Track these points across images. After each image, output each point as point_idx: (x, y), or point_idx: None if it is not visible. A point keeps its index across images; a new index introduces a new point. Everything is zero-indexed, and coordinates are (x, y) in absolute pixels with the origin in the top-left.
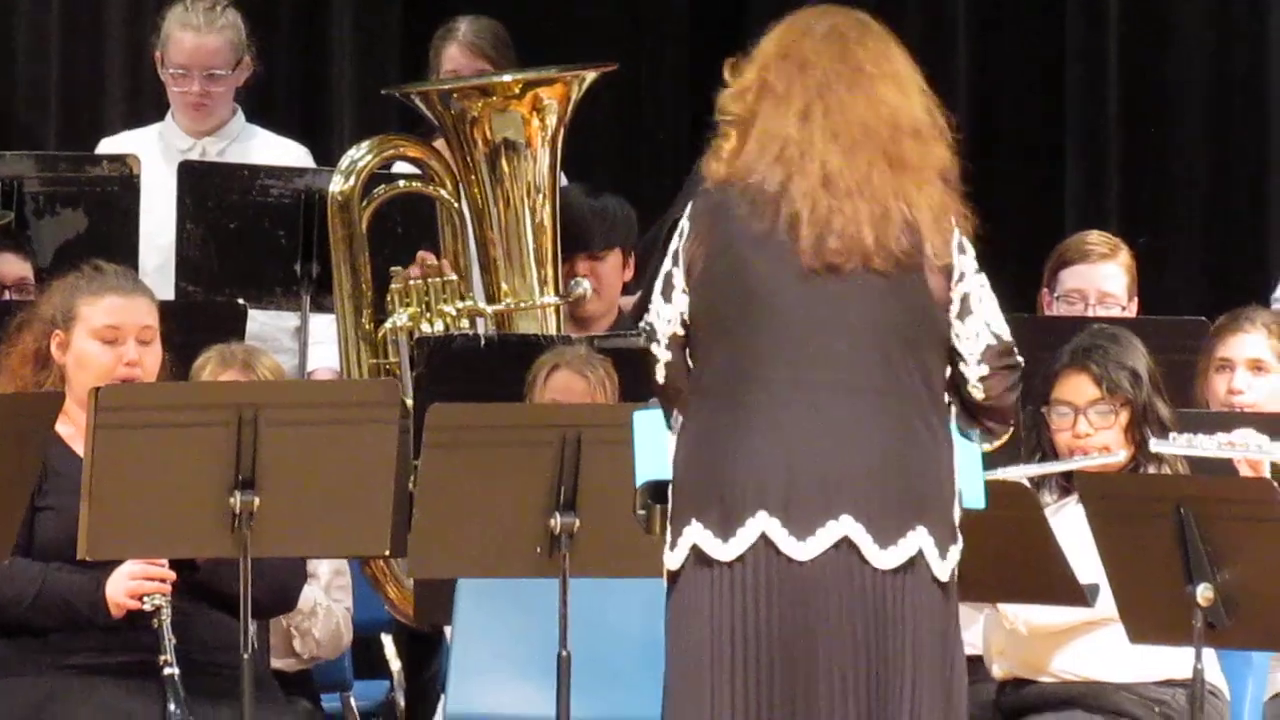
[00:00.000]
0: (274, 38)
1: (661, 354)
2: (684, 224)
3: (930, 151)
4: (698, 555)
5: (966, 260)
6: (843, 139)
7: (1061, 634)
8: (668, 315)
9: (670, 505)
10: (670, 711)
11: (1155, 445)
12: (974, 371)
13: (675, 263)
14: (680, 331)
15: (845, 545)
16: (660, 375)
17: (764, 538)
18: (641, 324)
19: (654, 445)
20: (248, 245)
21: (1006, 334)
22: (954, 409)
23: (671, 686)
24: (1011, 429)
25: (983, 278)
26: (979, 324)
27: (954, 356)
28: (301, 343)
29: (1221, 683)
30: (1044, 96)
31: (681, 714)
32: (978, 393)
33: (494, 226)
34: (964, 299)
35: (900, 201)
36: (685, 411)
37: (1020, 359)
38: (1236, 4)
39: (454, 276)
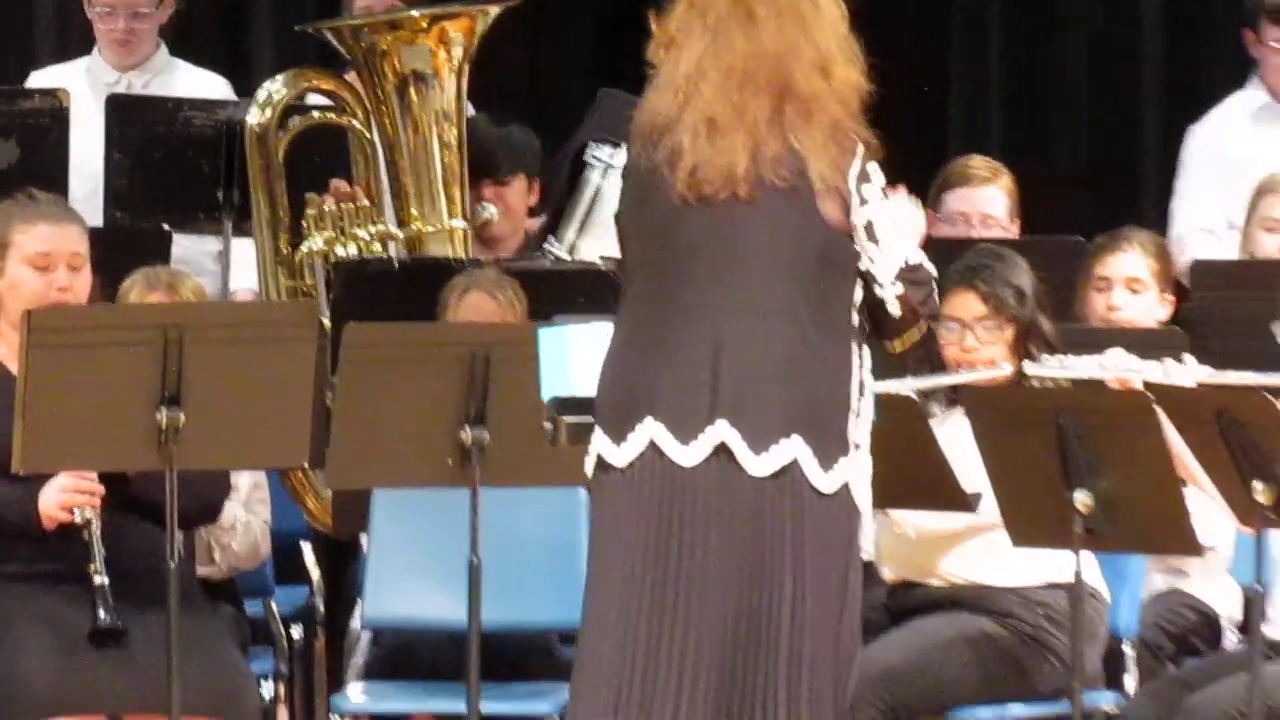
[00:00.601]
0: None
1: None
2: (623, 168)
3: (829, 86)
4: (599, 462)
5: (870, 188)
6: (732, 77)
7: (948, 539)
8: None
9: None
10: (585, 609)
11: (1030, 368)
12: (889, 292)
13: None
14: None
15: (723, 452)
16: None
17: (652, 444)
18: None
19: (559, 362)
20: (172, 174)
21: (916, 254)
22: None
23: (587, 583)
24: (922, 329)
25: (890, 202)
26: (886, 249)
27: (868, 279)
28: (223, 266)
29: (1101, 585)
30: (930, 26)
31: (585, 610)
32: (893, 309)
33: (404, 155)
34: (869, 225)
35: (784, 132)
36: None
37: (933, 271)
38: None
39: (366, 203)
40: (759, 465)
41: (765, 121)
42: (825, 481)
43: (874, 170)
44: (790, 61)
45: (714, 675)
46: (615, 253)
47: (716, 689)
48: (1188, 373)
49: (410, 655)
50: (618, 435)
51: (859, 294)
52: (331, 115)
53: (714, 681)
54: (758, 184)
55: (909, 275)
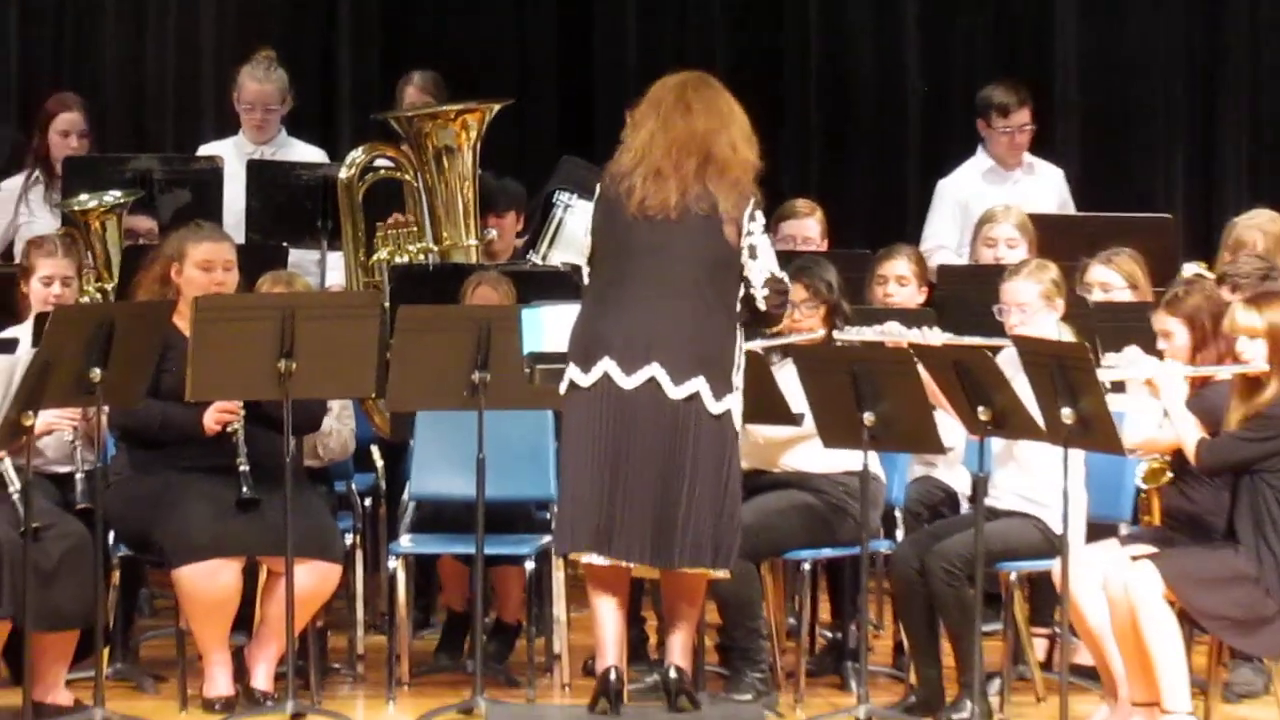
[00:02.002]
0: (301, 81)
1: (587, 271)
2: (595, 199)
3: (732, 159)
4: (571, 385)
5: (755, 224)
6: (672, 145)
7: (783, 443)
8: (587, 249)
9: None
10: (561, 477)
11: (836, 334)
12: (759, 292)
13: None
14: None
15: (653, 382)
16: (585, 284)
17: (606, 375)
18: (575, 258)
19: (535, 331)
20: (288, 210)
21: (779, 271)
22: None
23: (561, 461)
24: (782, 320)
25: (767, 236)
26: (762, 265)
27: (747, 282)
28: (321, 270)
29: (880, 471)
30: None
31: (565, 479)
32: (761, 304)
33: (438, 198)
34: (751, 247)
35: (704, 182)
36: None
37: (788, 284)
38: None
39: (414, 228)
40: (676, 392)
41: (692, 174)
42: (716, 407)
43: (759, 213)
44: (711, 139)
45: (648, 513)
46: (573, 261)
47: (652, 521)
48: (935, 337)
49: (440, 517)
50: (584, 367)
51: (742, 291)
52: (392, 172)
53: (648, 517)
54: (684, 212)
55: (773, 284)
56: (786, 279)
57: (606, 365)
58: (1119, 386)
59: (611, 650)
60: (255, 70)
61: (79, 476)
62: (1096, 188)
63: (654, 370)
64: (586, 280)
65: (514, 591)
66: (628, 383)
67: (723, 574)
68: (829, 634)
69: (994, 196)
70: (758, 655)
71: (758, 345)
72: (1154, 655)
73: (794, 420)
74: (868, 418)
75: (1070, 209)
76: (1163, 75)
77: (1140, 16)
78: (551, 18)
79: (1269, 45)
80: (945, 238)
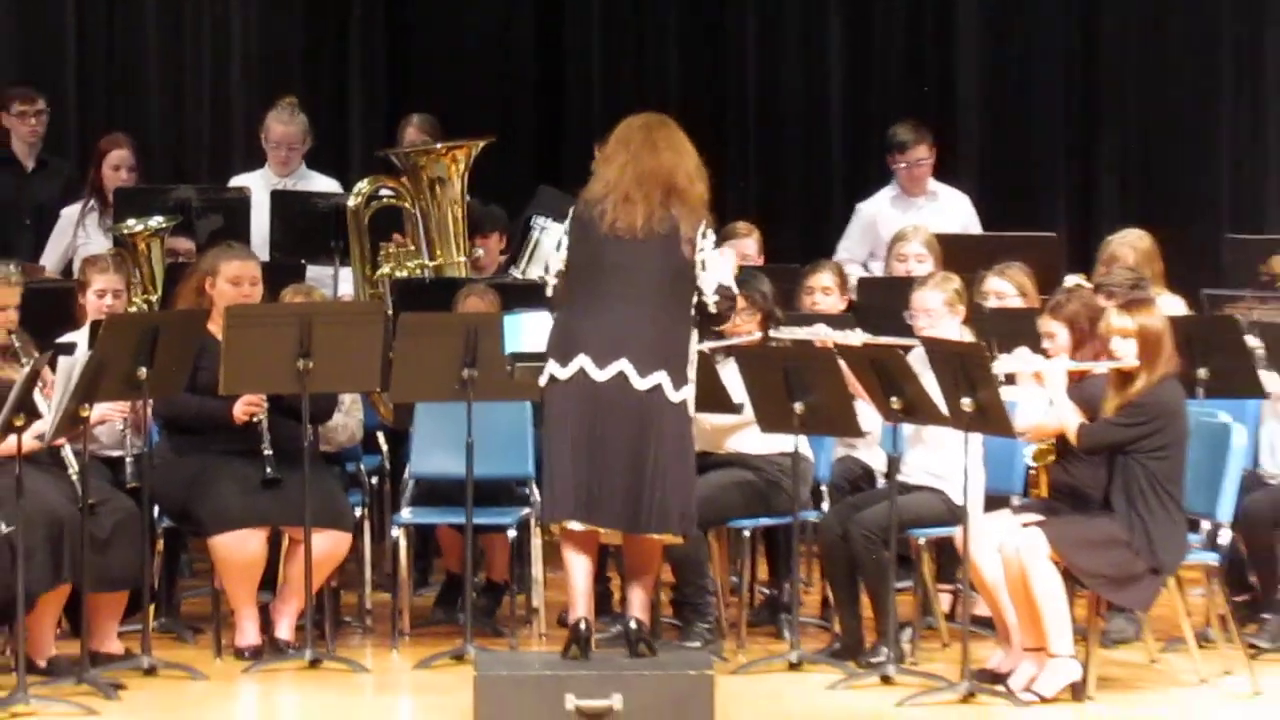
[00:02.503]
0: (318, 123)
1: (553, 281)
2: (569, 220)
3: (690, 189)
4: (551, 378)
5: (707, 242)
6: (641, 177)
7: (727, 429)
8: (558, 264)
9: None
10: (544, 460)
11: (773, 335)
12: (709, 299)
13: (565, 237)
14: (563, 269)
15: (622, 375)
16: (550, 292)
17: (582, 369)
18: (545, 271)
19: (514, 333)
20: (306, 233)
21: (728, 281)
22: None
23: (543, 444)
24: (729, 322)
25: (715, 251)
26: (711, 276)
27: (699, 290)
28: (334, 283)
29: (809, 452)
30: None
31: (548, 459)
32: (712, 309)
33: (433, 222)
34: (703, 261)
35: (667, 206)
36: (559, 308)
37: (736, 293)
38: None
39: (412, 248)
40: (641, 384)
41: (657, 201)
42: (675, 396)
43: (710, 232)
44: (673, 172)
45: (620, 486)
46: (547, 276)
47: (623, 493)
48: (855, 338)
49: (436, 492)
50: (563, 362)
51: (695, 299)
52: (393, 200)
53: (620, 489)
54: (649, 233)
55: (722, 292)
56: (735, 288)
57: (582, 361)
58: (1011, 380)
59: (582, 604)
60: (280, 114)
61: (128, 460)
62: (995, 209)
63: (623, 365)
64: (551, 290)
65: (499, 555)
66: (600, 375)
67: (680, 539)
68: (766, 591)
69: (900, 220)
70: (705, 609)
71: (705, 346)
72: (1041, 607)
73: (735, 409)
74: (798, 407)
75: (976, 228)
76: (1048, 114)
77: (1028, 63)
78: (530, 69)
79: (1135, 92)
80: (855, 254)
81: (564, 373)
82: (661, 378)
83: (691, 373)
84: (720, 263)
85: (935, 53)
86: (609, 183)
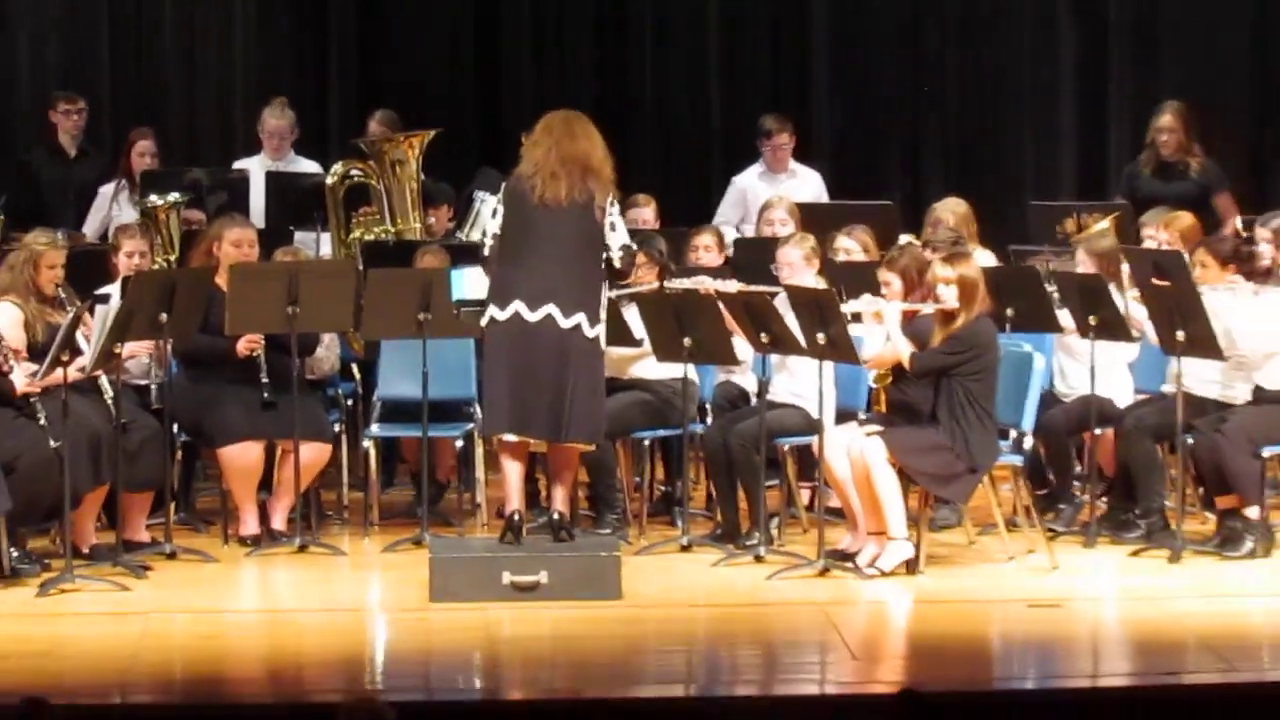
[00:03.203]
0: (303, 116)
1: (489, 244)
2: (502, 192)
3: (601, 168)
4: (491, 320)
5: (614, 210)
6: (564, 159)
7: (630, 358)
8: (494, 228)
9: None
10: (484, 384)
11: (668, 283)
12: (615, 255)
13: (500, 206)
14: (498, 233)
15: (550, 317)
16: (486, 251)
17: (517, 312)
18: (483, 234)
19: (459, 284)
20: (294, 206)
21: (628, 240)
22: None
23: (484, 372)
24: (631, 275)
25: (620, 218)
26: (616, 237)
27: (608, 248)
28: (316, 246)
29: (695, 377)
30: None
31: (488, 384)
32: (617, 264)
33: (395, 195)
34: (611, 224)
35: (584, 182)
36: (493, 267)
37: (635, 249)
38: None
39: (378, 217)
40: (565, 323)
41: (577, 178)
42: (590, 333)
43: (616, 204)
44: (588, 155)
45: (545, 404)
46: (485, 239)
47: (547, 410)
48: (732, 286)
49: (398, 410)
50: (501, 306)
51: (605, 256)
52: (363, 179)
53: (545, 406)
54: (570, 203)
55: (626, 250)
56: (635, 246)
57: (517, 305)
58: (857, 318)
59: (515, 499)
60: (274, 110)
61: (152, 387)
62: (845, 182)
63: (551, 309)
64: (487, 250)
65: (448, 460)
66: (532, 317)
67: (593, 447)
68: (662, 488)
69: (767, 191)
70: (614, 503)
71: (613, 294)
72: (881, 500)
73: (637, 344)
74: (686, 341)
75: (825, 198)
76: (883, 104)
77: (868, 64)
78: (472, 74)
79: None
80: (730, 219)
81: (502, 315)
82: (580, 319)
83: (603, 314)
84: (622, 227)
85: (792, 55)
86: (537, 163)
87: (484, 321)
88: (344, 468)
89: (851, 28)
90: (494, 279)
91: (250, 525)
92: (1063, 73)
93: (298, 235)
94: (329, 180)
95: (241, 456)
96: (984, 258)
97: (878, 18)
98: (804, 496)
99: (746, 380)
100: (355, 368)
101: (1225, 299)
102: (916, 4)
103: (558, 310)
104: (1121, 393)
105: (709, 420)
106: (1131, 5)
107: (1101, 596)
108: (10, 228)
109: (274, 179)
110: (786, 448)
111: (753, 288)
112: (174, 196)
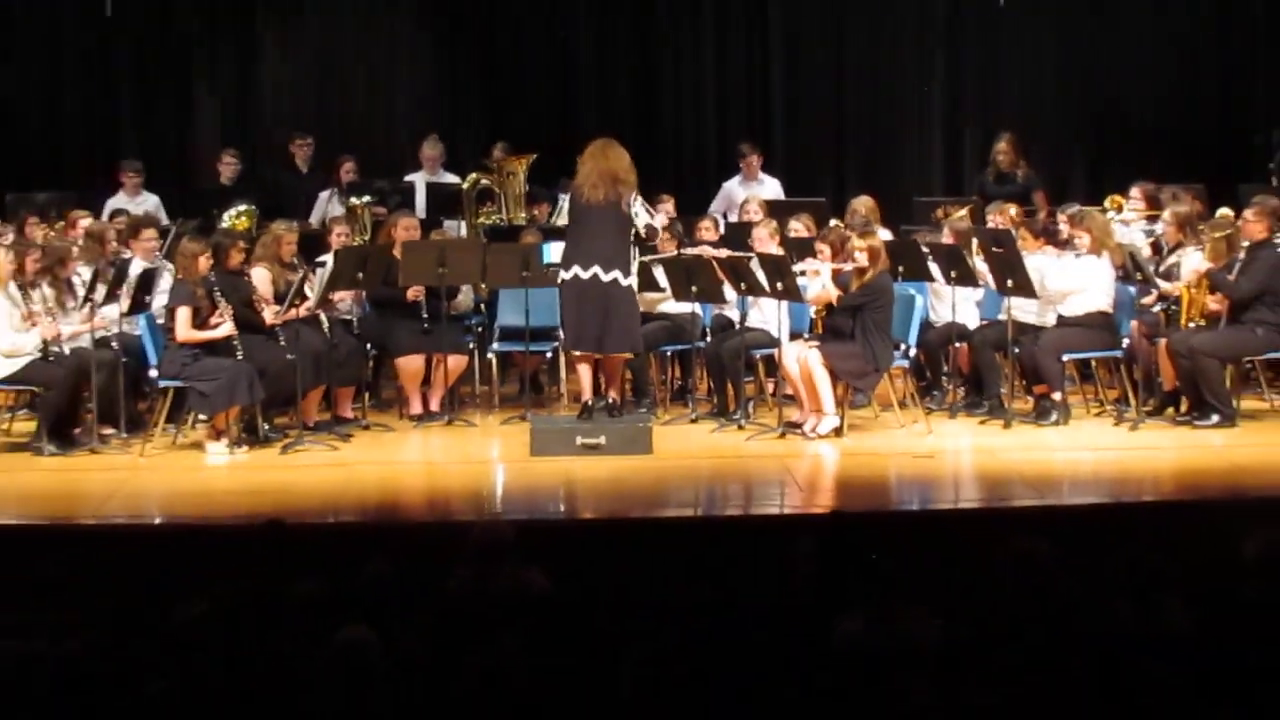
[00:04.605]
0: (451, 145)
1: (564, 225)
2: (569, 195)
3: (626, 178)
4: (561, 278)
5: (637, 205)
6: (600, 174)
7: (657, 299)
8: (564, 219)
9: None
10: (562, 318)
11: (682, 251)
12: (641, 230)
13: (566, 204)
14: (567, 221)
15: (596, 275)
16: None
17: (576, 273)
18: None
19: (548, 254)
20: (443, 204)
21: (650, 220)
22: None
23: (561, 310)
24: (655, 243)
25: (642, 208)
26: (640, 219)
27: (635, 229)
28: (457, 230)
29: (700, 312)
30: (644, 136)
31: (563, 319)
32: (643, 235)
33: (507, 196)
34: (635, 214)
35: (614, 188)
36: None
37: (657, 229)
38: None
39: (497, 210)
40: (605, 278)
41: (610, 186)
42: (625, 283)
43: (637, 200)
44: (616, 170)
45: (596, 332)
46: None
47: (597, 333)
48: (723, 253)
49: (511, 334)
50: (566, 269)
51: (632, 233)
52: (488, 185)
53: (596, 332)
54: (606, 203)
55: (647, 228)
56: (655, 225)
57: (576, 269)
58: (803, 274)
59: (586, 391)
60: (430, 143)
61: (354, 319)
62: (794, 187)
63: (596, 269)
64: (568, 231)
65: (541, 365)
66: (585, 275)
67: (632, 356)
68: (679, 382)
69: (744, 193)
70: (647, 393)
71: (645, 259)
72: (819, 389)
73: (661, 290)
74: (693, 288)
75: (783, 197)
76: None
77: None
78: (556, 116)
79: (870, 111)
80: (719, 210)
81: (567, 274)
82: (617, 274)
83: (633, 269)
84: (645, 214)
85: (761, 101)
86: (585, 175)
87: (559, 279)
88: (476, 370)
89: (799, 82)
90: (564, 251)
91: (415, 407)
92: (933, 107)
93: (447, 223)
94: (464, 186)
95: (410, 363)
96: (884, 234)
97: (816, 77)
98: (769, 387)
99: (732, 313)
100: (483, 306)
101: (1039, 260)
102: (841, 64)
103: (600, 269)
104: (972, 319)
105: (708, 339)
106: (977, 60)
107: (960, 450)
108: (262, 220)
109: (430, 187)
110: (758, 356)
111: (736, 254)
112: (367, 198)
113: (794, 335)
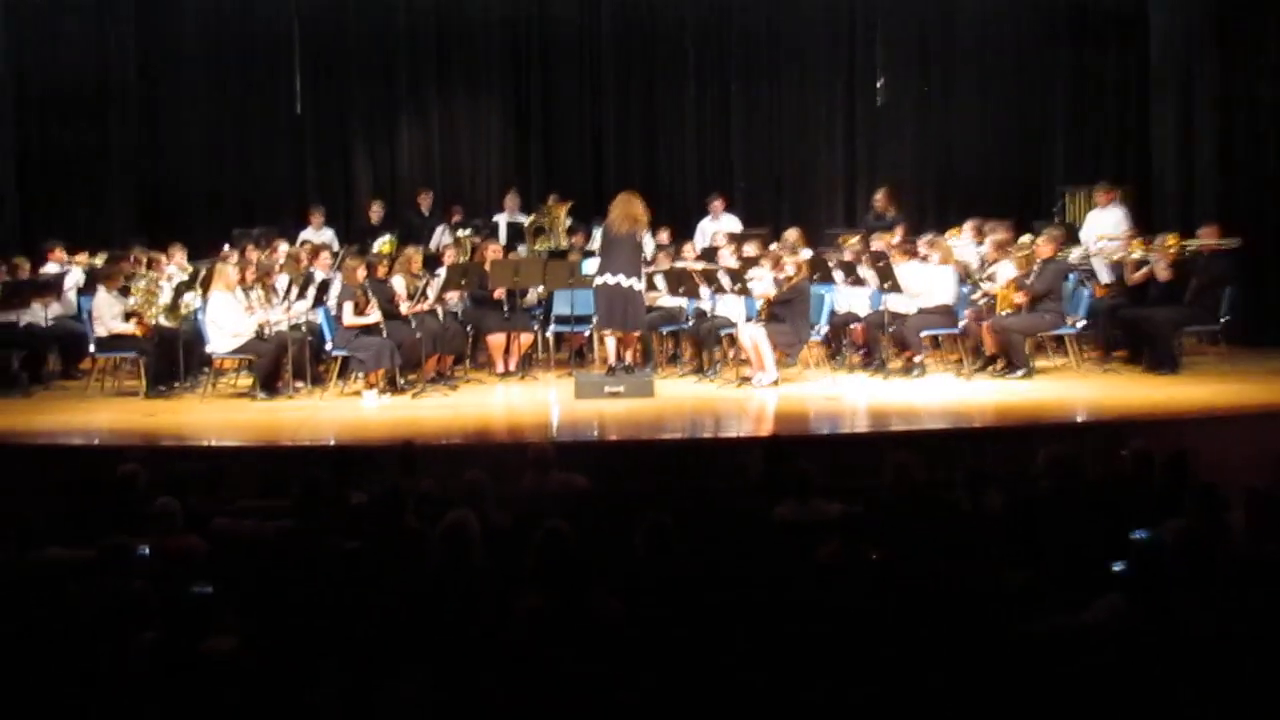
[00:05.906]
0: (523, 194)
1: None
2: (601, 229)
3: (640, 218)
4: (595, 283)
5: (644, 236)
6: (622, 216)
7: (658, 296)
8: (597, 245)
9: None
10: (595, 308)
11: (674, 265)
12: (646, 254)
13: (598, 235)
14: (598, 246)
15: (613, 281)
16: (597, 254)
17: (605, 279)
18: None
19: (586, 267)
20: (515, 235)
21: (653, 246)
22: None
23: (595, 305)
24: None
25: (649, 238)
26: (647, 244)
27: (644, 253)
28: (522, 252)
29: (684, 305)
30: (654, 187)
31: (596, 309)
32: (648, 258)
33: (557, 229)
34: (642, 242)
35: (631, 225)
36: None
37: (658, 250)
38: None
39: (549, 239)
40: (625, 284)
41: (628, 223)
42: (636, 286)
43: (646, 233)
44: (636, 213)
45: (618, 317)
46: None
47: (617, 318)
48: (700, 266)
49: (562, 319)
50: (599, 276)
51: (641, 256)
52: (541, 223)
53: (617, 317)
54: (626, 234)
55: (655, 253)
56: (657, 249)
57: (606, 276)
58: (753, 279)
59: (611, 358)
60: (511, 196)
61: (459, 311)
62: (747, 222)
63: (620, 277)
64: (600, 251)
65: (582, 341)
66: (611, 280)
67: (639, 334)
68: (673, 352)
69: (714, 227)
70: (651, 358)
71: (649, 270)
72: (762, 354)
73: (659, 290)
74: (680, 289)
75: (739, 229)
76: (758, 186)
77: (762, 168)
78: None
79: (794, 173)
80: (698, 240)
81: (599, 280)
82: (633, 280)
83: (641, 276)
84: (650, 243)
85: (722, 165)
86: (614, 216)
87: (594, 284)
88: (539, 344)
89: (751, 150)
90: (598, 265)
91: (499, 368)
92: (837, 168)
93: (520, 247)
94: (527, 224)
95: (495, 339)
96: (805, 253)
97: (761, 148)
98: (731, 354)
99: (706, 305)
100: (543, 301)
101: (904, 268)
102: (780, 139)
103: (622, 277)
104: (863, 309)
105: (691, 322)
106: (866, 138)
107: (856, 396)
108: (399, 246)
109: (510, 225)
110: (723, 334)
111: (709, 266)
112: (468, 231)
113: (748, 319)
